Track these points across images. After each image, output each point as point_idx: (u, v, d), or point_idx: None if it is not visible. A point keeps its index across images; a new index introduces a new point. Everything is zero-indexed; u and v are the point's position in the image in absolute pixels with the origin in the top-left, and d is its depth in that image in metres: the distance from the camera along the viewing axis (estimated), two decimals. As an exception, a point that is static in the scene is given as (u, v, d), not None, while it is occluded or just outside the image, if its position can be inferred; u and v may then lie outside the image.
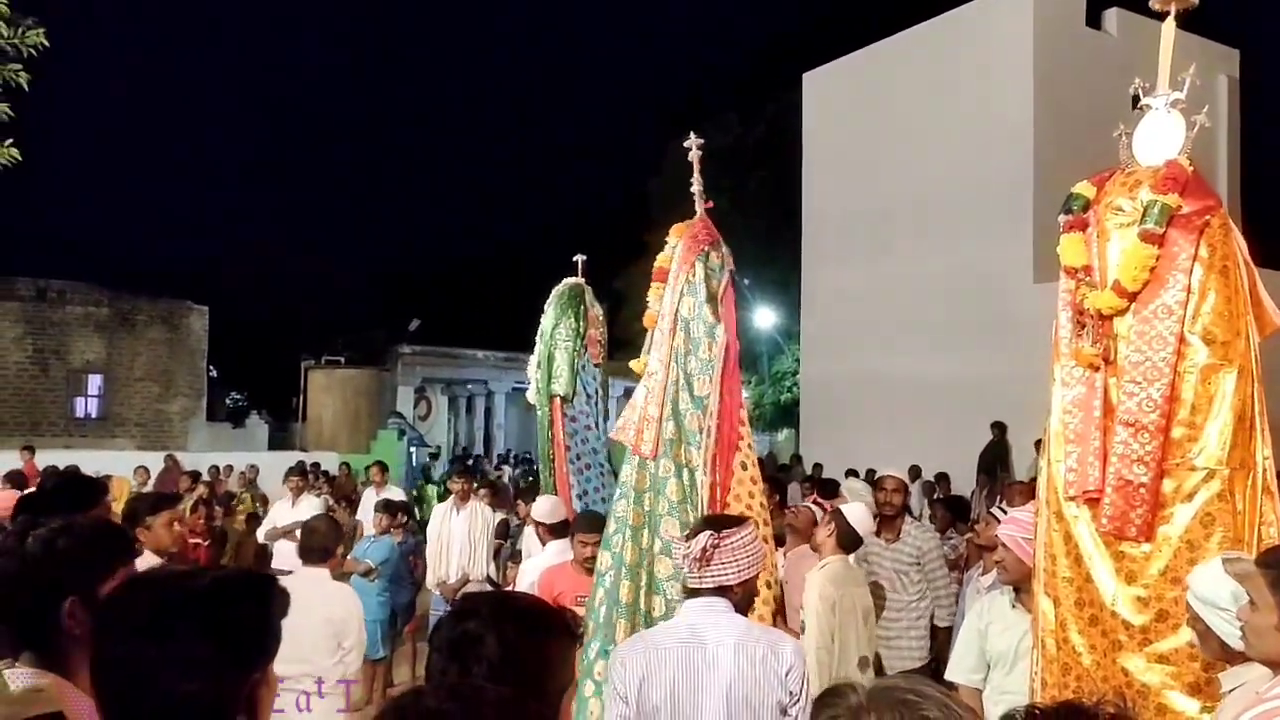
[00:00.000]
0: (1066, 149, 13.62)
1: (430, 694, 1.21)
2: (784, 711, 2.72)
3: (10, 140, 8.53)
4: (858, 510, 4.79)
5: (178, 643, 1.39)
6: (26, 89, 8.51)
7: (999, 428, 14.13)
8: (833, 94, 18.98)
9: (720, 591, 2.81)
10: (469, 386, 38.40)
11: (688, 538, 2.87)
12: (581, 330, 5.78)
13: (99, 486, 3.94)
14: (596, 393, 5.68)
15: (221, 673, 1.41)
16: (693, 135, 4.45)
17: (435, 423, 36.58)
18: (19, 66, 8.36)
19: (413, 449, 24.41)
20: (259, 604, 1.51)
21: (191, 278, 27.68)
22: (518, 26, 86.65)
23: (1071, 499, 2.83)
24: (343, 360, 28.66)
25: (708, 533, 2.83)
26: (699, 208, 4.39)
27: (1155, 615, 2.70)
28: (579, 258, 5.91)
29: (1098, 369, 2.79)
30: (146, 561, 3.47)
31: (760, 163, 27.19)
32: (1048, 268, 13.92)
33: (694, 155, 4.44)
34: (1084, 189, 2.92)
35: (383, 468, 11.24)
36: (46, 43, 8.35)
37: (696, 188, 4.45)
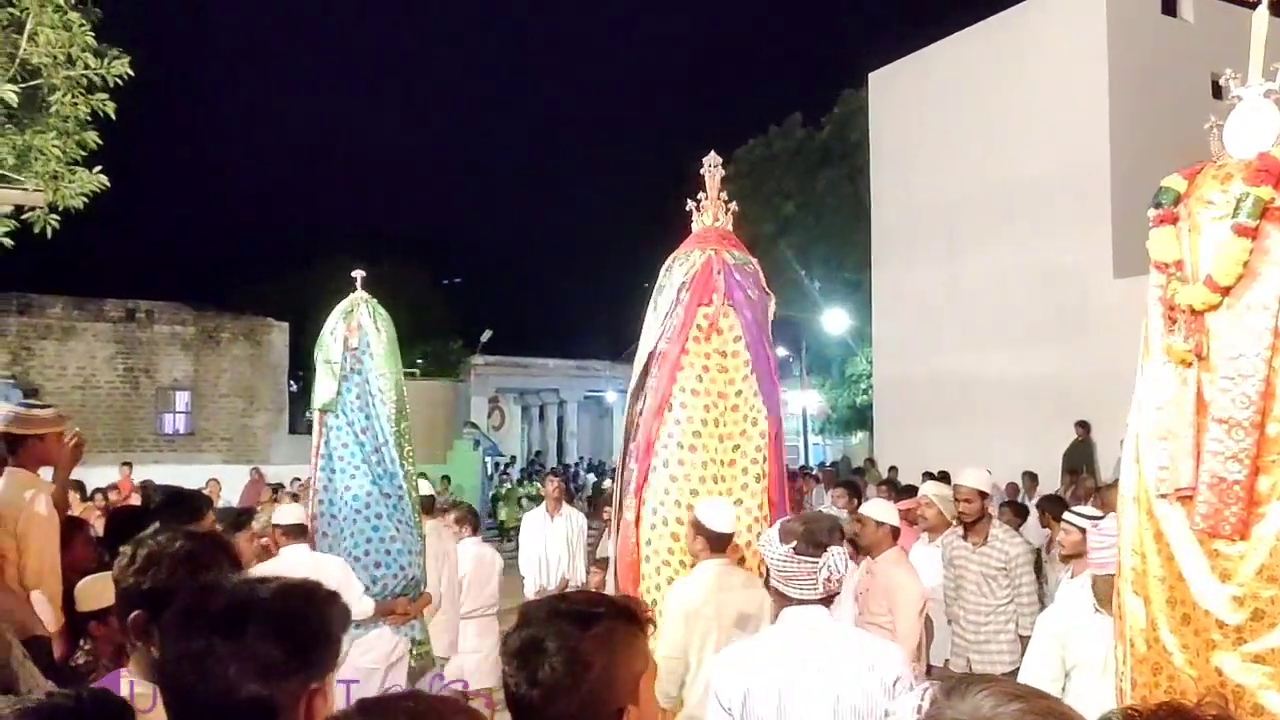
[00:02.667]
0: (1144, 139, 13.30)
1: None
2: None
3: (99, 168, 8.87)
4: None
5: (248, 644, 1.44)
6: (113, 118, 8.85)
7: (1083, 426, 13.81)
8: (900, 92, 18.79)
9: (823, 601, 2.78)
10: (541, 395, 38.78)
11: (798, 549, 2.78)
12: (349, 343, 5.80)
13: (203, 500, 4.09)
14: (372, 401, 5.55)
15: (286, 677, 1.46)
16: (712, 154, 4.44)
17: (509, 432, 36.98)
18: (105, 96, 8.69)
19: (487, 459, 24.71)
20: (324, 614, 1.56)
21: (271, 295, 28.28)
22: (594, 32, 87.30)
23: (1163, 497, 2.76)
24: (418, 372, 29.13)
25: (840, 549, 2.80)
26: (711, 221, 4.44)
27: (1251, 614, 2.62)
28: (357, 274, 6.08)
29: (1190, 365, 2.72)
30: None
31: (828, 163, 26.98)
32: (1128, 262, 13.71)
33: (710, 173, 4.45)
34: (1174, 182, 2.85)
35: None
36: (131, 72, 8.67)
37: (708, 203, 4.49)
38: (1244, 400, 2.61)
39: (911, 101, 18.29)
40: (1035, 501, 11.84)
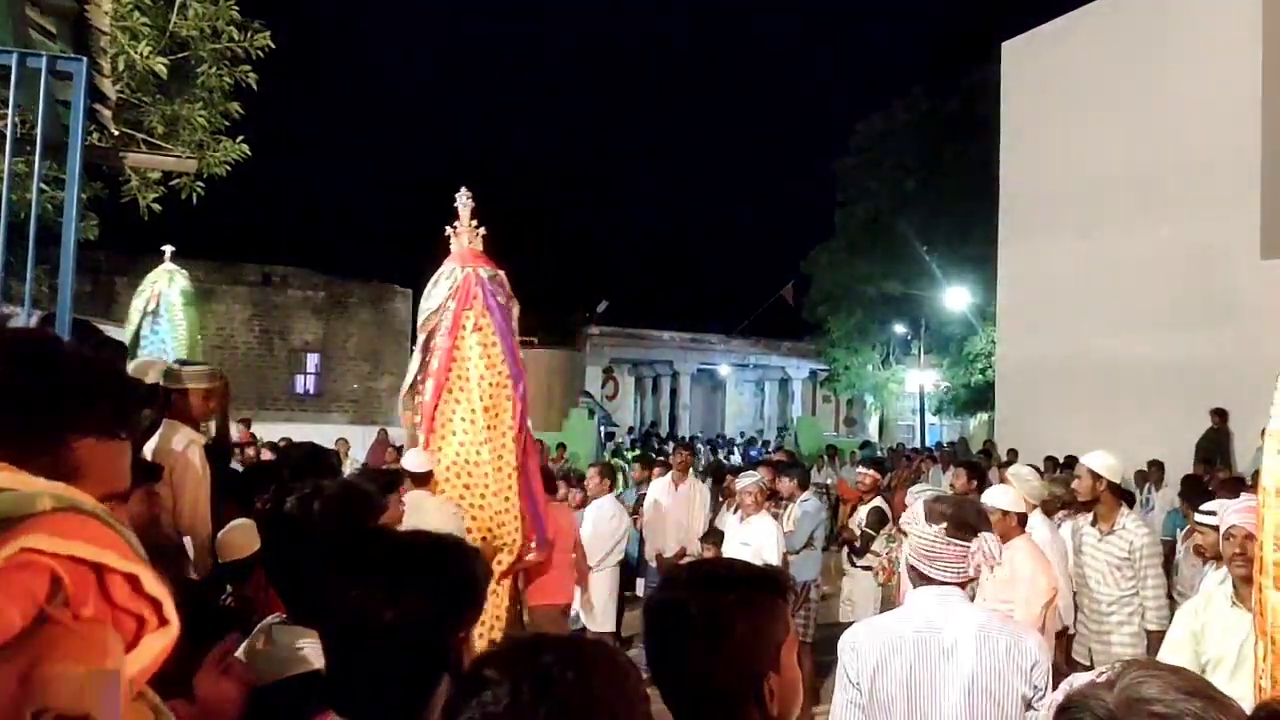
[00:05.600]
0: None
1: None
2: (1029, 706, 2.62)
3: (241, 137, 9.26)
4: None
5: (411, 596, 1.53)
6: (255, 89, 9.22)
7: (1220, 414, 13.16)
8: (1034, 64, 18.09)
9: (961, 584, 2.75)
10: (655, 367, 38.98)
11: (949, 530, 2.74)
12: (146, 308, 6.65)
13: (335, 457, 4.31)
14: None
15: (440, 628, 1.55)
16: (464, 190, 5.56)
17: (622, 402, 37.32)
18: (248, 68, 9.06)
19: (601, 427, 25.01)
20: (474, 569, 1.67)
21: (395, 262, 29.14)
22: (698, 9, 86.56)
23: (1309, 488, 2.65)
24: (535, 340, 29.61)
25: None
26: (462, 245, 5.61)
27: (1403, 613, 2.50)
28: (166, 248, 6.98)
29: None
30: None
31: (954, 136, 26.19)
32: (1277, 243, 12.93)
33: (464, 205, 5.57)
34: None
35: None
36: (273, 44, 9.02)
37: (463, 230, 5.60)
38: (1400, 390, 2.49)
39: (1046, 73, 17.58)
40: (1161, 491, 11.39)
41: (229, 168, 9.26)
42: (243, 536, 3.02)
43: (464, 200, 5.54)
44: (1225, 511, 3.78)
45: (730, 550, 6.61)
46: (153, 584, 1.02)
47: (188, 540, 3.77)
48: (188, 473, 3.81)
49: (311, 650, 2.00)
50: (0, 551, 0.88)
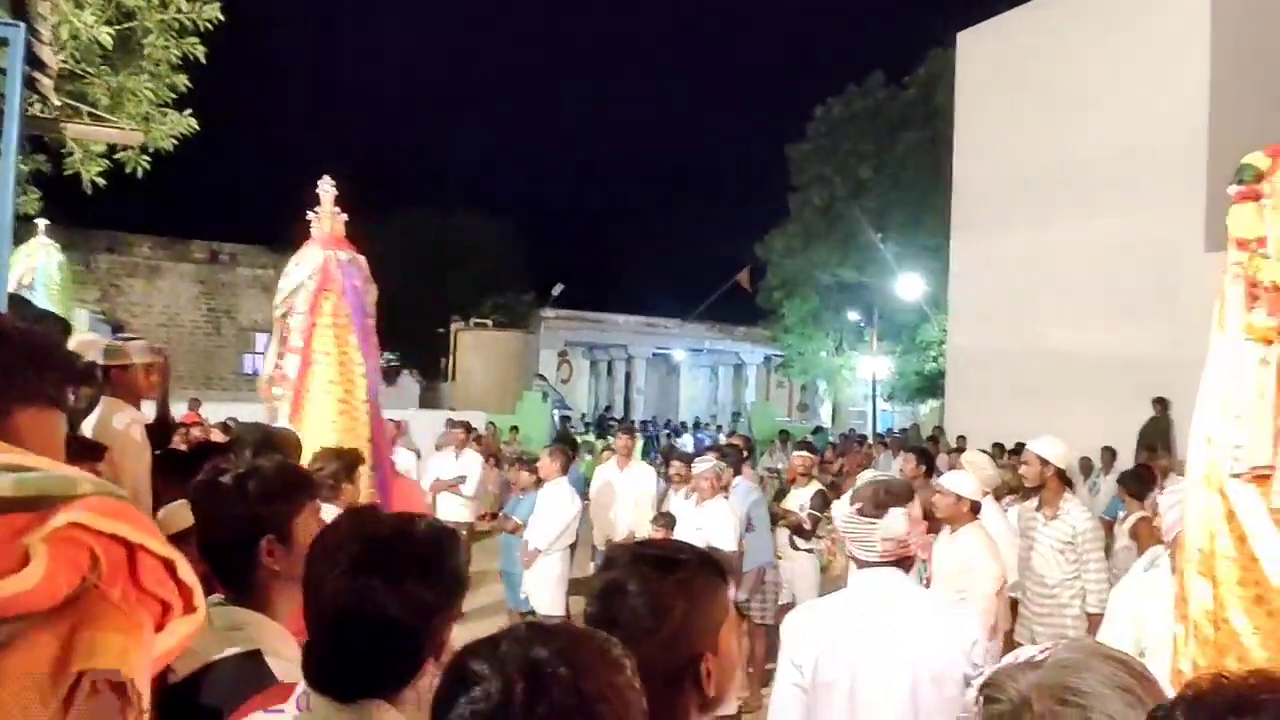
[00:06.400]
0: (1245, 112, 12.79)
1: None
2: (969, 684, 2.65)
3: (189, 110, 9.07)
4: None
5: (400, 581, 1.54)
6: (204, 62, 9.03)
7: (1161, 403, 13.47)
8: (988, 55, 18.28)
9: (896, 563, 2.76)
10: (609, 350, 39.01)
11: (862, 510, 2.78)
12: (21, 282, 6.71)
13: (294, 440, 4.26)
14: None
15: (429, 611, 1.56)
16: (326, 177, 5.76)
17: (576, 386, 37.32)
18: (196, 40, 8.86)
19: (555, 411, 24.96)
20: (459, 555, 1.68)
21: (348, 241, 28.70)
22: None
23: (1236, 476, 2.72)
24: (490, 323, 29.47)
25: (902, 510, 2.76)
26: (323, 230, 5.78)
27: (1328, 597, 2.58)
28: (40, 221, 7.18)
29: (1271, 343, 2.67)
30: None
31: (910, 125, 26.40)
32: (1221, 237, 13.18)
33: (325, 192, 5.76)
34: (1257, 159, 2.78)
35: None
36: (222, 17, 8.83)
37: (324, 215, 5.78)
38: (1327, 380, 2.56)
39: (1002, 63, 17.77)
40: (1116, 477, 11.63)
41: (176, 142, 9.09)
42: (183, 510, 2.99)
43: (326, 187, 5.83)
44: (1164, 500, 3.85)
45: (683, 535, 6.64)
46: (187, 571, 1.06)
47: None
48: (128, 451, 3.74)
49: (255, 631, 1.99)
50: (50, 523, 0.95)
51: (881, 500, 2.80)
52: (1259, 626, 2.66)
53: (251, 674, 1.87)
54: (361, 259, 5.90)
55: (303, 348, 5.63)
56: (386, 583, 1.52)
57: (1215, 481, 2.76)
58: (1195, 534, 2.83)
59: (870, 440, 21.20)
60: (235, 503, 2.05)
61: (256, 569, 2.03)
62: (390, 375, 31.19)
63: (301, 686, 1.59)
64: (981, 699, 1.20)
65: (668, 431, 25.34)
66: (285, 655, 1.94)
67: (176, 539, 3.04)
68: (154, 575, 1.03)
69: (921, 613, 2.71)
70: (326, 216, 5.83)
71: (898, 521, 2.77)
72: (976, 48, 18.80)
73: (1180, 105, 14.24)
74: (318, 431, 5.53)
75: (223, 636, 1.94)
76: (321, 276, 5.67)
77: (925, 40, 26.03)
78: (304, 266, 5.73)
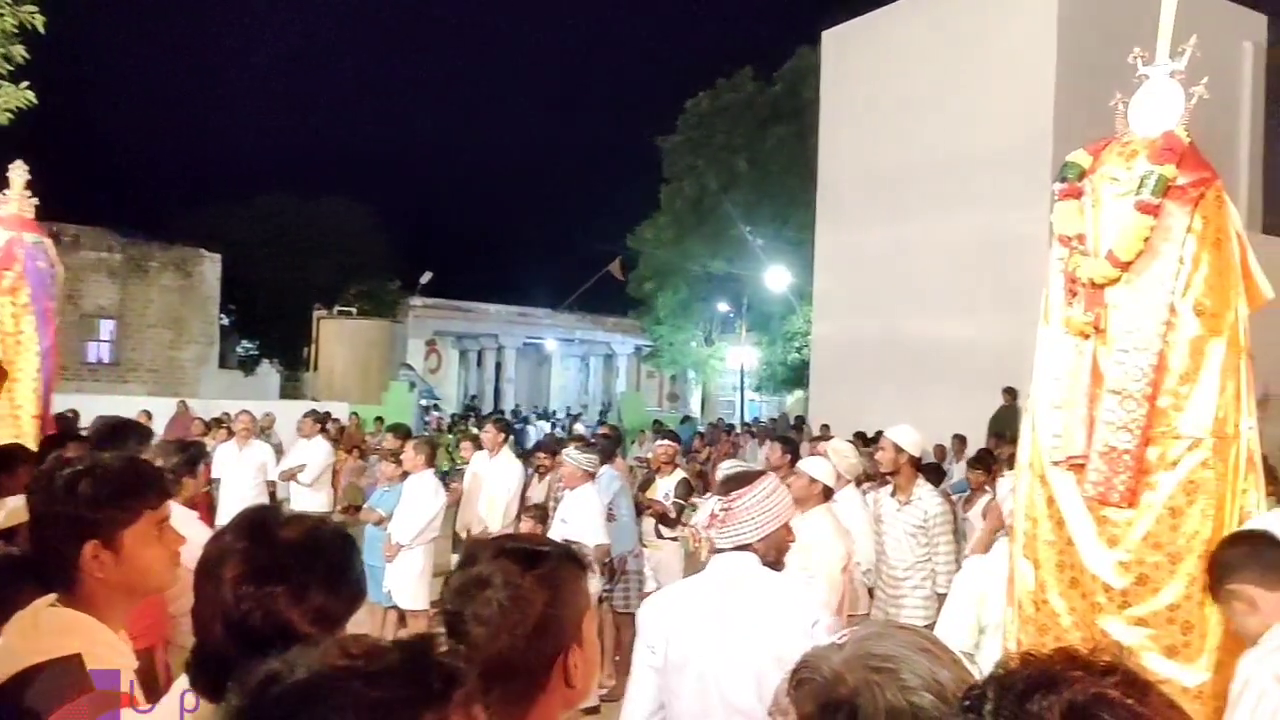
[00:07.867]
0: (1090, 111, 13.40)
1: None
2: None
3: (26, 83, 8.58)
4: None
5: (304, 586, 1.52)
6: (42, 31, 8.53)
7: (1010, 393, 14.13)
8: (853, 53, 18.76)
9: (744, 548, 2.83)
10: (480, 340, 38.57)
11: (716, 494, 2.90)
12: None
13: (146, 432, 4.05)
14: None
15: (334, 625, 1.54)
16: (19, 161, 5.92)
17: (445, 375, 36.78)
18: (34, 9, 8.38)
19: (423, 401, 24.55)
20: (355, 553, 1.68)
21: (205, 225, 27.50)
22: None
23: (1056, 464, 2.87)
24: (354, 311, 28.73)
25: (715, 498, 2.85)
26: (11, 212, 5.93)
27: (1135, 579, 2.75)
28: None
29: (1088, 337, 2.82)
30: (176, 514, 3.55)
31: (778, 120, 26.91)
32: (1062, 234, 13.90)
33: (16, 175, 5.92)
34: (1079, 158, 2.93)
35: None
36: (62, -14, 8.36)
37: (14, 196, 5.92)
38: (1137, 373, 2.72)
39: (864, 63, 18.27)
40: (960, 463, 12.17)
41: (12, 115, 8.63)
42: (17, 505, 2.85)
43: (19, 171, 6.00)
44: (1002, 485, 4.04)
45: (550, 525, 6.64)
46: None
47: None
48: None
49: (82, 637, 1.89)
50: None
51: (723, 488, 2.92)
52: (1074, 608, 2.82)
53: (71, 679, 1.76)
54: (48, 242, 6.14)
55: None
56: (291, 592, 1.49)
57: (1038, 468, 2.91)
58: (1021, 518, 2.99)
59: (738, 429, 21.61)
60: (63, 502, 1.93)
61: (81, 573, 1.92)
62: (249, 365, 30.13)
63: (183, 686, 1.56)
64: (796, 681, 1.23)
65: (517, 423, 25.12)
66: (112, 661, 1.85)
67: (7, 535, 2.90)
68: None
69: (767, 594, 2.79)
70: (16, 198, 5.99)
71: (713, 505, 2.86)
72: (840, 46, 19.28)
73: (1027, 107, 14.93)
74: None
75: (47, 640, 1.84)
76: (5, 257, 5.87)
77: (794, 37, 26.58)
78: None
